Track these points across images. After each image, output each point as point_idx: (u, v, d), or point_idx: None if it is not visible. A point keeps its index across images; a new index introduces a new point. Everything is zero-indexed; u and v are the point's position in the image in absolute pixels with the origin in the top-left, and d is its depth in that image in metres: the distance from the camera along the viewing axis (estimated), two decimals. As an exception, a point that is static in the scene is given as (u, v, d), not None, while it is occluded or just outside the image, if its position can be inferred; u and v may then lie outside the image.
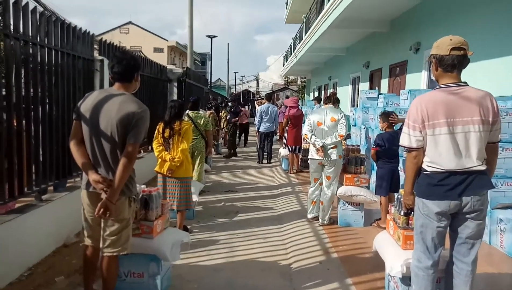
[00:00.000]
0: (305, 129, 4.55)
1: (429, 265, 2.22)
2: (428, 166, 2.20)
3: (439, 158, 2.15)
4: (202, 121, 5.65)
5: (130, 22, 42.43)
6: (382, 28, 9.11)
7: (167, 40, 42.67)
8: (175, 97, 9.07)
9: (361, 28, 9.73)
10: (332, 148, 4.34)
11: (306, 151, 8.39)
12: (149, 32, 42.51)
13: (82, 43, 4.69)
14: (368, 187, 4.64)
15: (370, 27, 9.40)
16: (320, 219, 4.52)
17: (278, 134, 10.14)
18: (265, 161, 9.52)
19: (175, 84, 9.07)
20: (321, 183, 4.54)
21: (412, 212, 2.49)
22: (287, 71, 22.82)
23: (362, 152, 5.44)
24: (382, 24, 9.04)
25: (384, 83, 9.35)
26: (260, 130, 9.34)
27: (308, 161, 6.79)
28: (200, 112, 5.87)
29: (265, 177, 7.72)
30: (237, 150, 12.30)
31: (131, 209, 2.50)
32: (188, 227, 4.43)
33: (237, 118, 11.11)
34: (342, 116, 4.42)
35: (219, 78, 61.18)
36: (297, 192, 6.23)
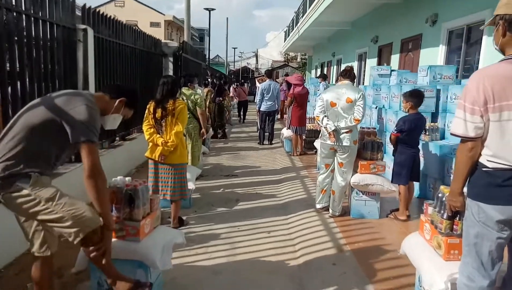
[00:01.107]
0: (317, 110, 4.01)
1: (484, 285, 1.76)
2: (489, 160, 1.71)
3: (506, 150, 1.66)
4: (197, 99, 5.13)
5: (125, -5, 40.86)
6: (394, -2, 8.43)
7: (163, 15, 41.33)
8: (170, 73, 8.48)
9: (370, -1, 9.04)
10: (346, 132, 3.83)
11: (311, 131, 7.89)
12: (145, 5, 41.08)
13: (62, 9, 4.10)
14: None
15: (381, -3, 8.72)
16: (330, 210, 4.07)
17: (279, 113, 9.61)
18: (266, 142, 9.03)
19: (171, 59, 8.45)
20: (333, 170, 4.06)
21: (458, 216, 2.02)
22: (288, 47, 22.00)
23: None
24: (395, -6, 8.36)
25: (395, 59, 8.75)
26: (261, 109, 8.79)
27: (315, 144, 6.29)
28: (198, 90, 5.35)
29: (267, 160, 7.25)
30: (237, 130, 11.82)
31: (34, 190, 1.88)
32: (184, 218, 3.98)
33: (221, 98, 10.25)
34: (360, 96, 3.84)
35: (217, 55, 59.79)
36: (302, 177, 5.77)
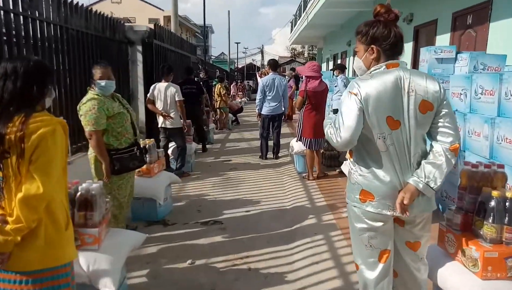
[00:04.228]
0: (345, 135, 1.62)
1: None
2: None
3: None
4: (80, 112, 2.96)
5: (122, -9, 38.88)
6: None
7: (163, 10, 39.21)
8: (139, 66, 6.32)
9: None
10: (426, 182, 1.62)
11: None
12: (143, 1, 39.06)
13: None
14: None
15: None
16: None
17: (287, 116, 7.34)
18: (270, 154, 6.82)
19: (139, 48, 6.28)
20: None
21: None
22: (296, 38, 19.69)
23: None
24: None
25: (443, 40, 6.45)
26: (262, 113, 6.57)
27: (343, 169, 4.07)
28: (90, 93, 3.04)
29: (271, 188, 5.02)
30: (235, 136, 9.60)
31: None
32: None
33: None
34: (443, 92, 1.65)
35: (222, 52, 57.88)
36: (327, 228, 3.54)
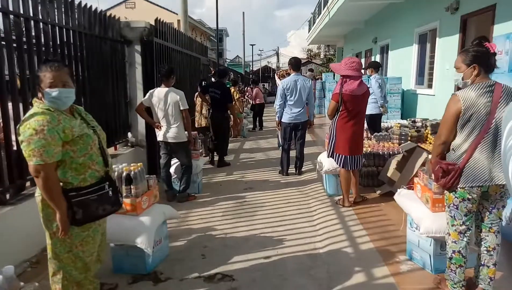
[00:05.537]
0: None
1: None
2: None
3: None
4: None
5: (136, -4, 38.68)
6: None
7: (176, 14, 38.70)
8: (138, 69, 5.41)
9: None
10: None
11: (370, 156, 4.65)
12: (157, 5, 38.71)
13: None
14: None
15: None
16: None
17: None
18: (292, 168, 5.80)
19: (138, 48, 5.37)
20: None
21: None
22: (314, 38, 18.56)
23: None
24: None
25: (503, 29, 5.29)
26: (283, 120, 5.55)
27: (402, 204, 3.06)
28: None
29: (296, 218, 3.97)
30: (250, 145, 8.56)
31: None
32: None
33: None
34: None
35: (237, 56, 57.12)
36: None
